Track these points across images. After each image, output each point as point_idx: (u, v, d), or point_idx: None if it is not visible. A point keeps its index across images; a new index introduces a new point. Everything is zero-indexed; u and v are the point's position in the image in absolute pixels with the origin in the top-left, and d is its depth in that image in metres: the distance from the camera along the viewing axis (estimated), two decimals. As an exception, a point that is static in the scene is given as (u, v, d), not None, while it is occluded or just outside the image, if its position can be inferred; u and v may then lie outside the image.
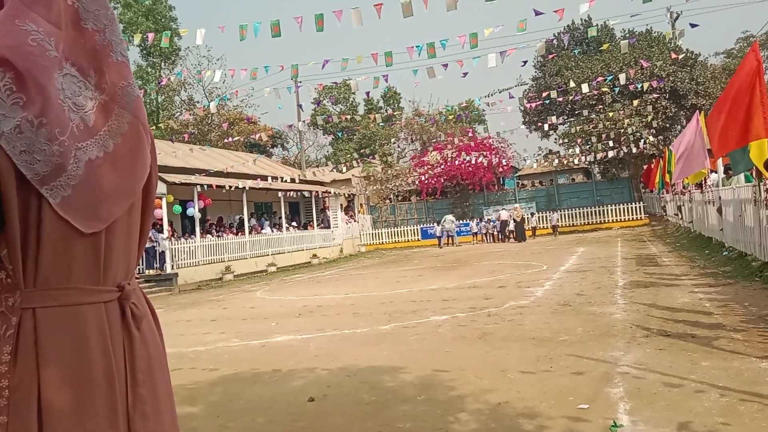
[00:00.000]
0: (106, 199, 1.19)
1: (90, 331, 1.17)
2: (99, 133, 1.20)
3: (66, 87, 1.16)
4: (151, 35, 14.70)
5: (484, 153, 32.47)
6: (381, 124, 39.36)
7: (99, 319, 1.19)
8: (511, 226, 27.71)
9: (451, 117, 29.26)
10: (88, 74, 1.21)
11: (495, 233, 28.50)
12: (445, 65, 15.18)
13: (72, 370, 1.13)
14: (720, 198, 12.56)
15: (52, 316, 1.13)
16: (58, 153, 1.10)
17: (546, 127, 30.96)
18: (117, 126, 1.24)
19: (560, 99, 23.73)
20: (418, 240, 31.36)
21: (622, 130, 28.19)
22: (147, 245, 17.17)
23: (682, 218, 20.80)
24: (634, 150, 29.86)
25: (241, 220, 23.73)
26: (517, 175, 38.83)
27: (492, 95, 32.61)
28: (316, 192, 28.47)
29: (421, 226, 32.09)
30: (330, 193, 29.38)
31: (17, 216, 1.09)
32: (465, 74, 16.26)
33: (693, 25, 13.30)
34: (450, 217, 28.76)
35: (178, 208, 19.44)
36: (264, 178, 24.33)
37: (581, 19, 34.32)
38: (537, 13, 12.11)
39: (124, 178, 1.23)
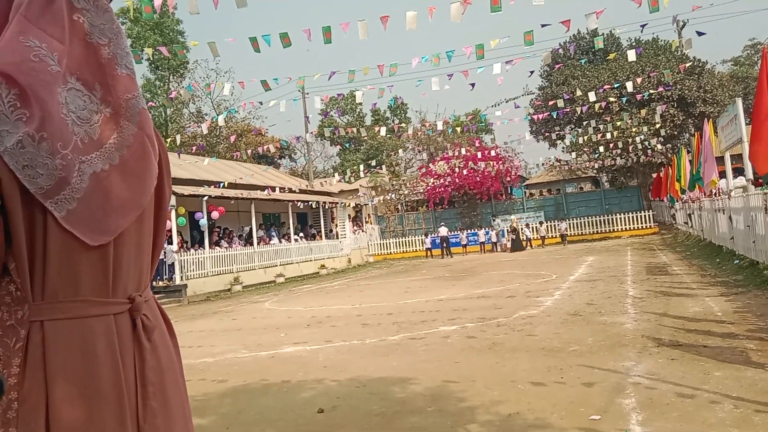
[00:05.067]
0: (112, 211, 1.19)
1: (98, 343, 1.17)
2: (104, 146, 1.20)
3: (70, 101, 1.16)
4: (162, 49, 14.85)
5: (492, 162, 32.47)
6: (388, 135, 39.42)
7: (108, 331, 1.19)
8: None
9: (457, 127, 29.36)
10: (93, 88, 1.22)
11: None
12: (450, 75, 15.24)
13: (80, 382, 1.13)
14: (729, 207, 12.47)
15: (60, 328, 1.14)
16: (60, 166, 1.11)
17: (554, 136, 30.97)
18: (123, 138, 1.24)
19: (567, 109, 23.73)
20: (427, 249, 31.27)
21: (630, 139, 28.11)
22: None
23: (692, 226, 20.66)
24: (643, 158, 29.73)
25: (250, 231, 23.80)
26: (525, 184, 38.77)
27: (499, 105, 32.66)
28: (324, 202, 28.52)
29: (431, 236, 32.03)
30: (337, 203, 29.42)
31: (23, 230, 1.10)
32: (472, 85, 16.27)
33: (700, 33, 13.25)
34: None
35: (182, 220, 19.53)
36: (272, 189, 24.42)
37: (587, 29, 34.37)
38: (543, 25, 12.19)
39: (130, 190, 1.23)
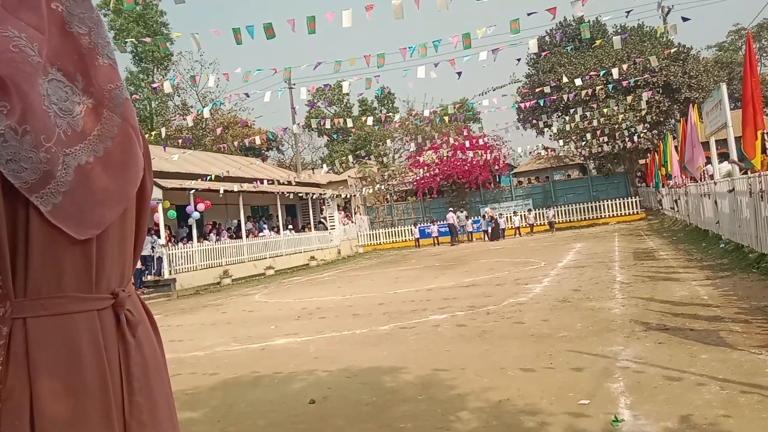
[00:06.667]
0: (98, 204, 1.17)
1: (82, 339, 1.15)
2: (88, 138, 1.17)
3: (52, 92, 1.13)
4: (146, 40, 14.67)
5: (480, 152, 32.50)
6: (376, 126, 39.28)
7: (92, 327, 1.17)
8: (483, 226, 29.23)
9: (445, 116, 29.34)
10: (74, 78, 1.19)
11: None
12: (436, 64, 15.19)
13: (64, 379, 1.11)
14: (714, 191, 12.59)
15: (43, 325, 1.12)
16: (45, 160, 1.08)
17: (541, 124, 31.05)
18: (107, 130, 1.21)
19: (554, 96, 23.76)
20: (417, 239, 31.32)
21: (617, 126, 28.25)
22: (143, 253, 17.16)
23: (678, 212, 20.85)
24: (629, 145, 29.92)
25: (238, 224, 23.71)
26: (513, 172, 38.86)
27: (486, 93, 32.63)
28: (313, 194, 28.44)
29: (419, 225, 32.07)
30: (326, 194, 29.36)
31: (5, 225, 1.08)
32: (459, 74, 16.24)
33: (685, 19, 13.25)
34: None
35: (173, 213, 19.41)
36: (260, 181, 24.32)
37: (573, 16, 34.36)
38: (529, 14, 12.18)
39: (116, 182, 1.21)
